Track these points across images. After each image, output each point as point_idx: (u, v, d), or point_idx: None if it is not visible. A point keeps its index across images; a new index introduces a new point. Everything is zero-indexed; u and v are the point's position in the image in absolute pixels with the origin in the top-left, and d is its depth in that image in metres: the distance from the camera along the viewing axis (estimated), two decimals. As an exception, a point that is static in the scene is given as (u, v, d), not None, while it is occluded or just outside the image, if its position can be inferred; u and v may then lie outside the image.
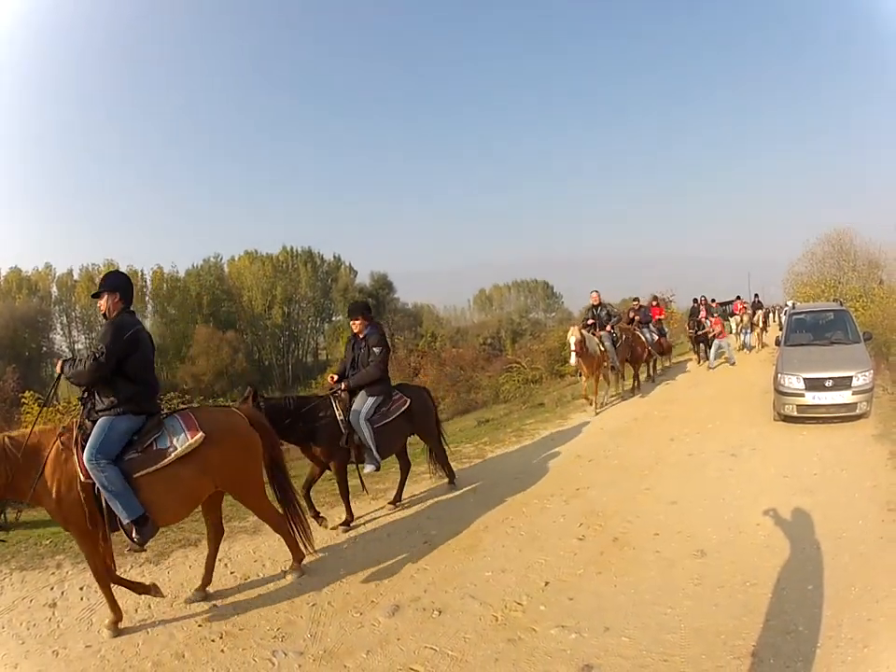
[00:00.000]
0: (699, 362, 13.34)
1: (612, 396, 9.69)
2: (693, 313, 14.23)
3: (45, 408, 8.99)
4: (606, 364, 8.70)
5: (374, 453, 4.50)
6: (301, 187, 70.73)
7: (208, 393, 32.17)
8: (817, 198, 69.14)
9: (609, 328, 8.95)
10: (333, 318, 48.77)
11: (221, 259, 47.24)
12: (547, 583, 3.44)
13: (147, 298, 43.84)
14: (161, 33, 66.80)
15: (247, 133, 68.40)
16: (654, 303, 12.91)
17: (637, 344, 10.28)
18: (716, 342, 12.44)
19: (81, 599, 3.44)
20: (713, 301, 15.34)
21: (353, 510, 4.60)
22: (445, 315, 51.34)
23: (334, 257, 50.05)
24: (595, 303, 9.26)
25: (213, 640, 2.97)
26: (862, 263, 20.67)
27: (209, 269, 46.17)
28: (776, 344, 8.17)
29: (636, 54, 74.84)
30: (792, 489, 4.70)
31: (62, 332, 42.33)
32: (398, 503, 4.91)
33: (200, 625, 3.12)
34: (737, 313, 15.75)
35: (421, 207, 76.68)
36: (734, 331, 15.16)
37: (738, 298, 16.90)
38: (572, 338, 7.96)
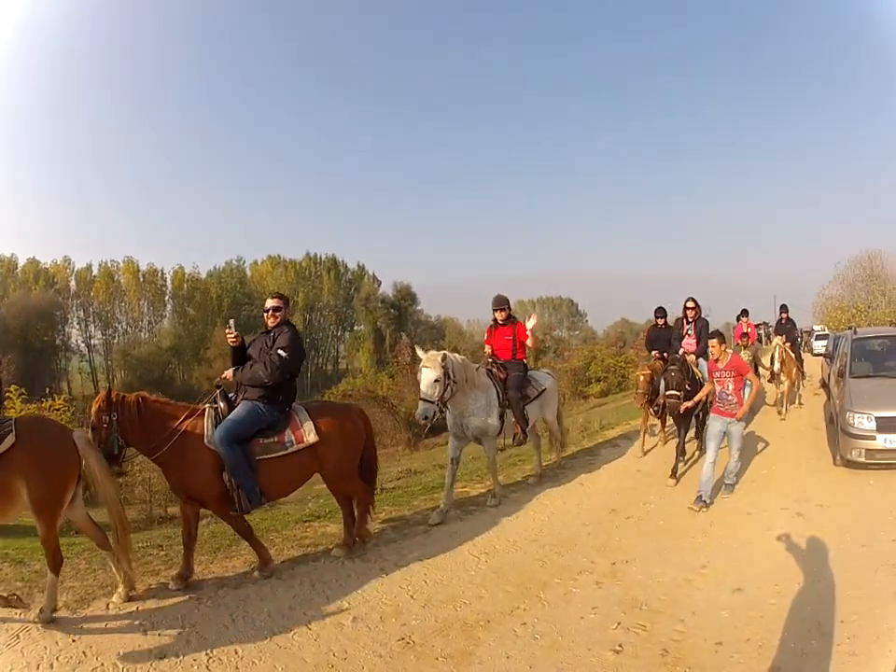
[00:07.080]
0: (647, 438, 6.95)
1: None
2: (656, 337, 7.31)
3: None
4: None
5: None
6: (326, 194, 67.50)
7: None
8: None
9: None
10: (355, 327, 47.78)
11: (244, 263, 46.59)
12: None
13: (166, 297, 43.29)
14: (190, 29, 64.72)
15: (276, 137, 65.33)
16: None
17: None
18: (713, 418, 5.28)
19: None
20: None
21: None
22: (469, 330, 49.06)
23: (358, 265, 49.06)
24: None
25: None
26: (893, 287, 19.48)
27: (231, 271, 45.30)
28: (835, 377, 6.77)
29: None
30: (872, 565, 3.62)
31: (78, 326, 41.49)
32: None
33: None
34: (738, 342, 8.99)
35: (447, 220, 73.73)
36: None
37: (745, 314, 9.26)
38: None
